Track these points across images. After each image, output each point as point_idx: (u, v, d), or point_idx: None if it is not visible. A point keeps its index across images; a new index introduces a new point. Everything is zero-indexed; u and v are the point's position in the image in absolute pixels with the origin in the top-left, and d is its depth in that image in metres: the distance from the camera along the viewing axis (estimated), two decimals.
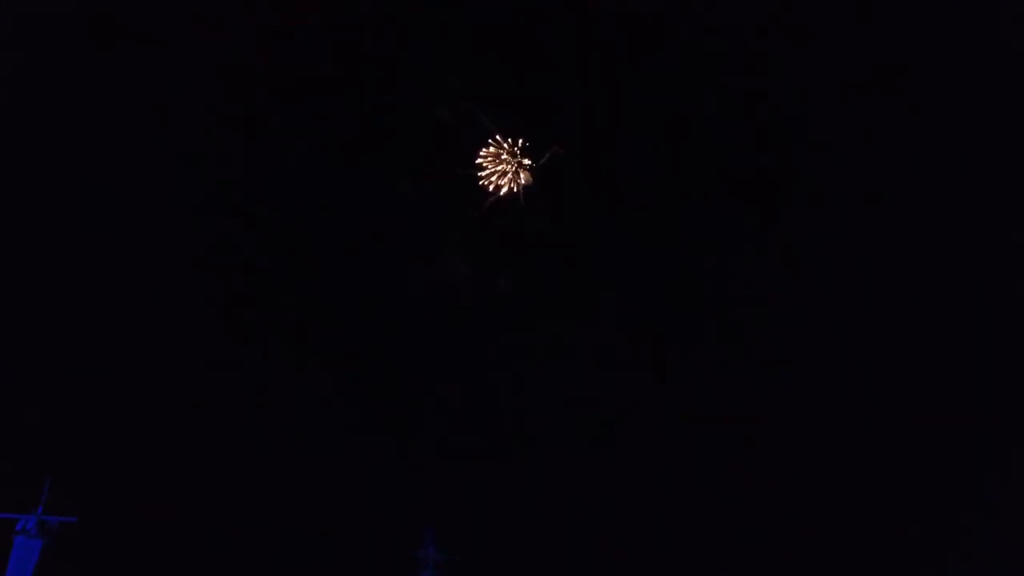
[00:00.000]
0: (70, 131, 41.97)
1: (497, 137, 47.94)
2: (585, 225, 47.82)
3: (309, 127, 45.79)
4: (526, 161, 47.81)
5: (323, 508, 38.49)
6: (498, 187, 48.13)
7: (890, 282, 43.74)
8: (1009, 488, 38.45)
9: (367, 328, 44.52)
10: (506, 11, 46.47)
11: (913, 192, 44.12)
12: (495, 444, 41.62)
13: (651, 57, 46.79)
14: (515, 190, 48.03)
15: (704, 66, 46.61)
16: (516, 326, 46.12)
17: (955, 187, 43.45)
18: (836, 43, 45.10)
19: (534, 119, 47.69)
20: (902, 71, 44.07)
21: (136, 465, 37.35)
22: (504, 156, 48.04)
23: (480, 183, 48.23)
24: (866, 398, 42.18)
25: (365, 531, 37.69)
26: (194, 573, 36.06)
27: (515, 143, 48.03)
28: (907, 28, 44.05)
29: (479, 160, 48.24)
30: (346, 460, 39.80)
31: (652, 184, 47.39)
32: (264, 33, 44.40)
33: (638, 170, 47.49)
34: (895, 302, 43.49)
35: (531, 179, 47.63)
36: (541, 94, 47.13)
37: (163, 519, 36.52)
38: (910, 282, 43.37)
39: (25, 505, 32.35)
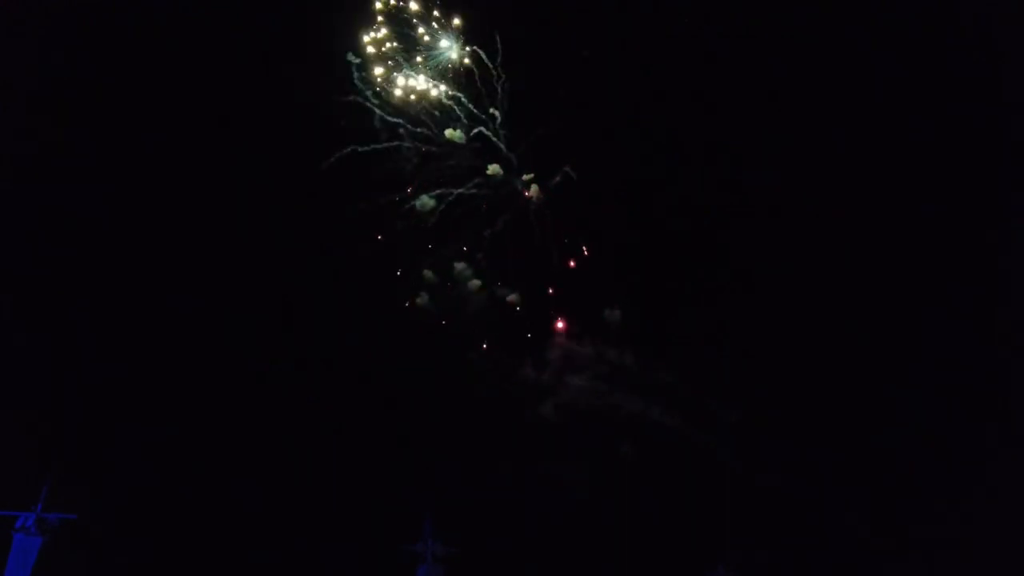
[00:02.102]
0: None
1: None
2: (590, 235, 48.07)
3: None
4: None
5: (322, 504, 38.58)
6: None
7: (893, 287, 43.90)
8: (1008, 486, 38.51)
9: (368, 330, 44.56)
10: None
11: (913, 195, 44.36)
12: (494, 442, 41.67)
13: (650, 67, 46.95)
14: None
15: (704, 75, 46.81)
16: (520, 334, 46.33)
17: (954, 186, 43.72)
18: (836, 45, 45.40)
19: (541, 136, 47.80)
20: (901, 71, 44.37)
21: (136, 463, 37.40)
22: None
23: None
24: (866, 398, 42.29)
25: (364, 526, 37.82)
26: (194, 570, 36.13)
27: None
28: (907, 29, 44.36)
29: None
30: (346, 457, 39.89)
31: (655, 198, 47.56)
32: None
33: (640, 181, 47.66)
34: (899, 307, 43.64)
35: (540, 195, 47.58)
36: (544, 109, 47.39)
37: (162, 516, 36.56)
38: (912, 284, 43.59)
39: (24, 502, 32.36)
